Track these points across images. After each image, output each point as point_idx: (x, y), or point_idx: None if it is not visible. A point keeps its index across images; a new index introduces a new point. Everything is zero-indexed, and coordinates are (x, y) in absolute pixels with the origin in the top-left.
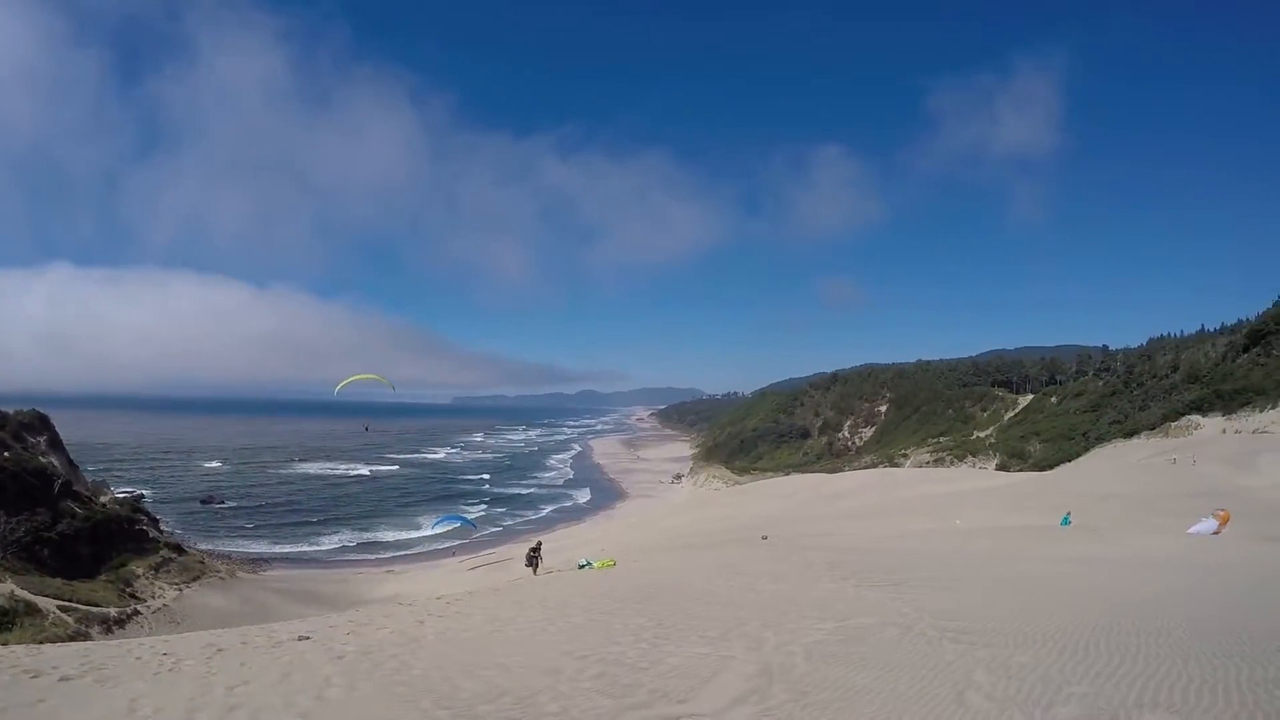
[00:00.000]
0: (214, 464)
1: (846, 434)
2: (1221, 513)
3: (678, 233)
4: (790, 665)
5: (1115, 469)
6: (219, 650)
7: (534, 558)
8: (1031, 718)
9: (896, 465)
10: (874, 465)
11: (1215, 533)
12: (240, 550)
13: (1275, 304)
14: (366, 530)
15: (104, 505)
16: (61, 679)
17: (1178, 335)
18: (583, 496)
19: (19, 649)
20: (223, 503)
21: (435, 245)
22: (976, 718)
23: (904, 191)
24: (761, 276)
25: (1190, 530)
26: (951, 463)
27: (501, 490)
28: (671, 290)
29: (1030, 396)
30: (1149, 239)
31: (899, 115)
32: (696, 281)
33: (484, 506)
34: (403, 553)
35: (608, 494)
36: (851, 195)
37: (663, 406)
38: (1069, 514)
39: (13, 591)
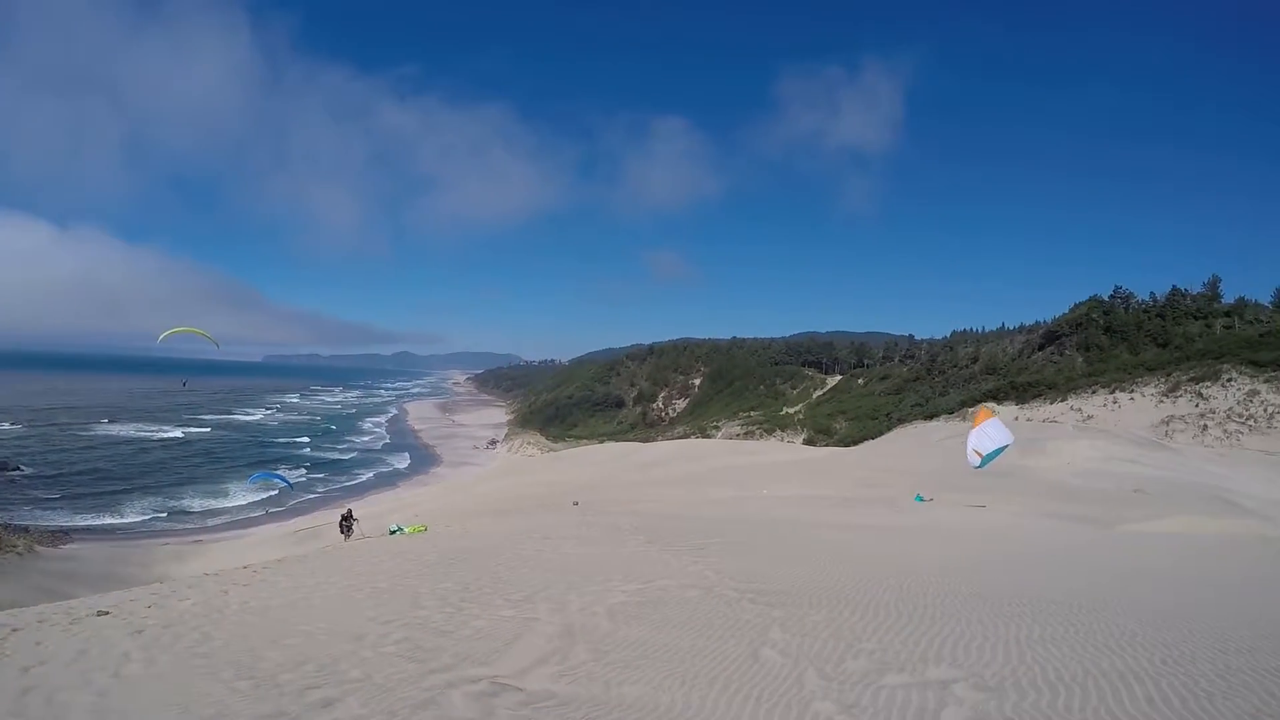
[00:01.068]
0: (6, 425)
1: (661, 405)
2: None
3: (512, 192)
4: (593, 626)
5: (914, 447)
6: (13, 630)
7: (346, 524)
8: (822, 672)
9: (708, 436)
10: (686, 436)
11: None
12: (39, 522)
13: (1071, 309)
14: (175, 498)
15: None
16: None
17: (979, 330)
18: (397, 461)
19: None
20: (18, 469)
21: (258, 186)
22: (770, 672)
23: (740, 171)
24: (590, 244)
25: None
26: (761, 436)
27: (319, 455)
28: (499, 252)
29: (839, 377)
30: (961, 238)
31: (745, 96)
32: (525, 245)
33: (302, 471)
34: (213, 521)
35: (422, 459)
36: (688, 169)
37: (480, 371)
38: (920, 494)
39: None
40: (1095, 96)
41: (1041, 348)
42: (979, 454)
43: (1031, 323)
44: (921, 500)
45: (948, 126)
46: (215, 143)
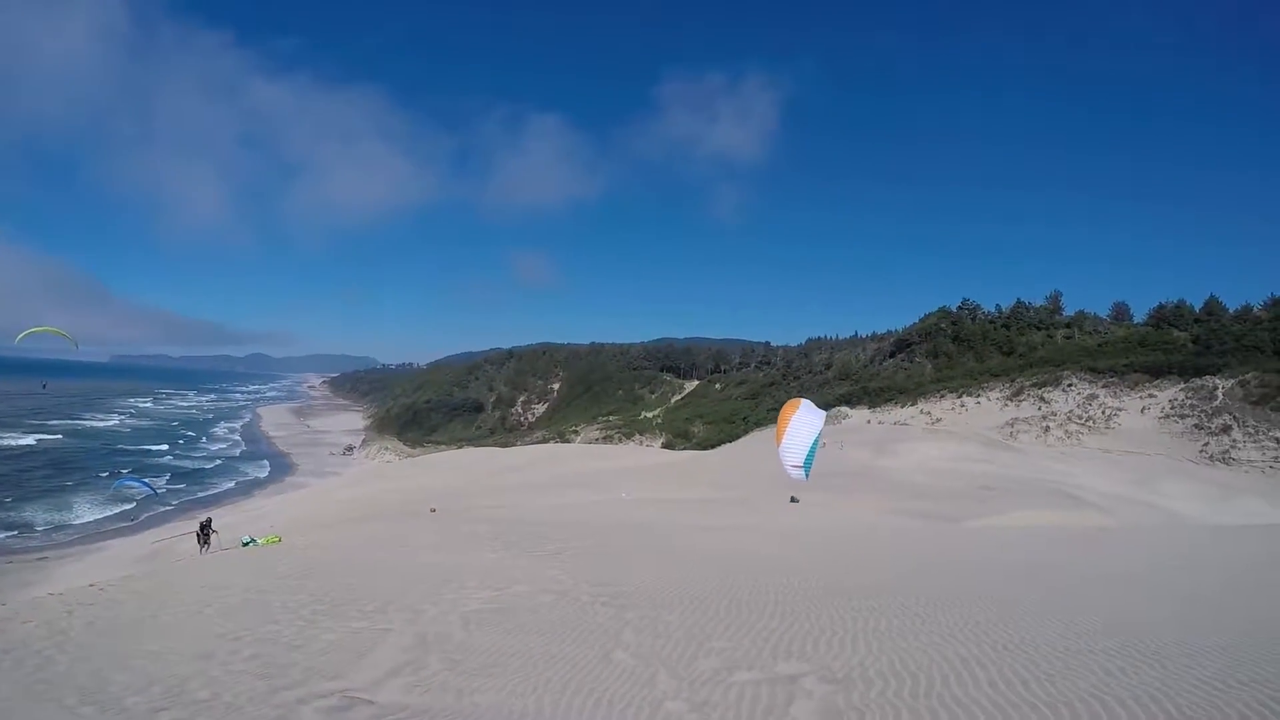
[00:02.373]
0: None
1: (520, 409)
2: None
3: (378, 182)
4: (447, 634)
5: (770, 450)
6: None
7: (205, 534)
8: (674, 672)
9: (567, 441)
10: (546, 441)
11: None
12: None
13: (921, 319)
14: (18, 512)
15: None
16: None
17: (834, 338)
18: (252, 469)
19: None
20: None
21: (109, 163)
22: (622, 675)
23: (612, 174)
24: (455, 243)
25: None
26: (620, 440)
27: (176, 463)
28: (360, 247)
29: (696, 383)
30: (819, 248)
31: (624, 97)
32: (387, 241)
33: (163, 480)
34: (60, 537)
35: (277, 466)
36: (561, 169)
37: (335, 375)
38: (794, 496)
39: None
40: (948, 103)
41: (893, 355)
42: (797, 466)
43: (884, 331)
44: (796, 501)
45: (814, 139)
46: (66, 110)
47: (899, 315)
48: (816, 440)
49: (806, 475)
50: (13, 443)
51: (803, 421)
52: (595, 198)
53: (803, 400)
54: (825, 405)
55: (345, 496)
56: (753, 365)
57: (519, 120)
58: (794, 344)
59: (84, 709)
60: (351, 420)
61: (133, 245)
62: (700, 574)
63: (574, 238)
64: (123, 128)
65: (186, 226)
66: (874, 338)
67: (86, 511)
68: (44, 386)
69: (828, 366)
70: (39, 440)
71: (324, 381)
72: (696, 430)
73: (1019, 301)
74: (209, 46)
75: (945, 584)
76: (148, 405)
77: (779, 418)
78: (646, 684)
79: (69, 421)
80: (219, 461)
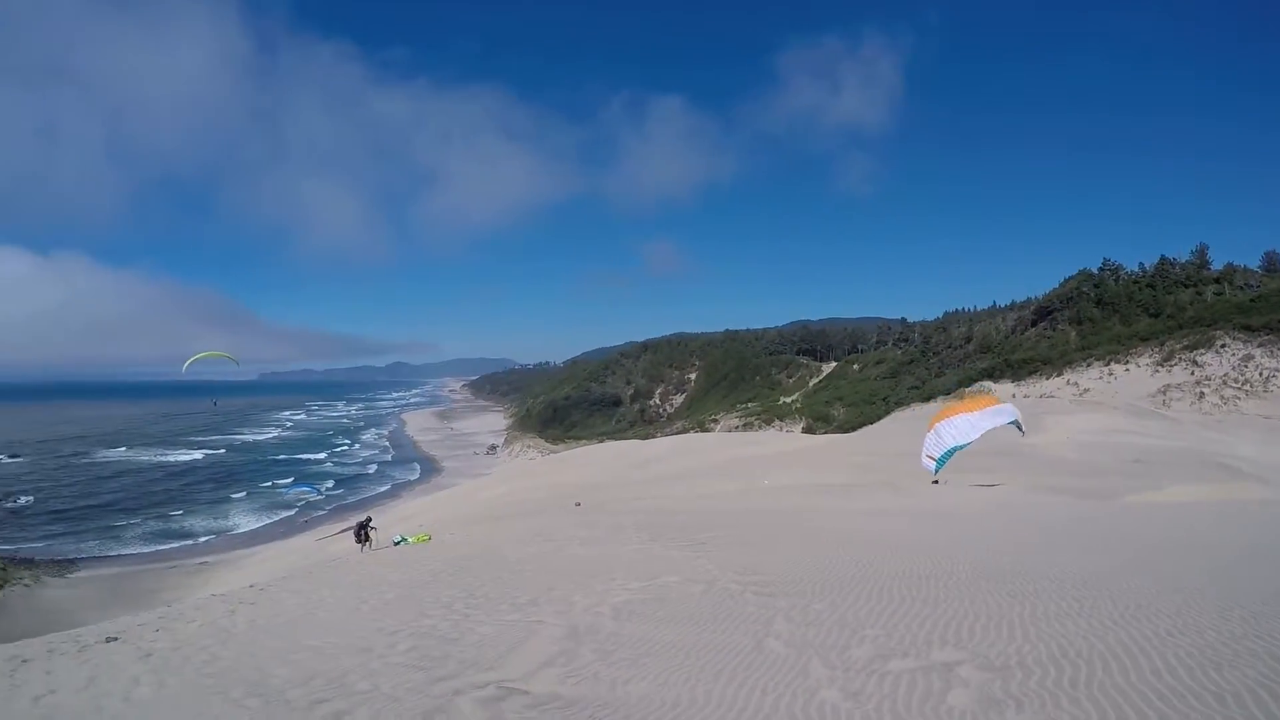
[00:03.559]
0: (8, 458)
1: (658, 401)
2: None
3: (505, 184)
4: (598, 626)
5: (912, 430)
6: (24, 661)
7: (364, 532)
8: (827, 660)
9: (707, 430)
10: (685, 431)
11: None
12: (44, 551)
13: (1061, 284)
14: (181, 521)
15: None
16: None
17: (971, 309)
18: (399, 472)
19: None
20: (19, 501)
21: (244, 190)
22: (775, 663)
23: (736, 153)
24: (585, 239)
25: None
26: (759, 427)
27: (330, 470)
28: (492, 253)
29: (834, 364)
30: (953, 217)
31: (741, 71)
32: (518, 244)
33: (324, 486)
34: (219, 542)
35: (424, 468)
36: (685, 153)
37: (475, 377)
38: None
39: None
40: (1084, 69)
41: (1034, 323)
42: (931, 458)
43: (1023, 299)
44: (938, 482)
45: (941, 102)
46: (199, 141)
47: (1037, 281)
48: (958, 449)
49: (935, 471)
50: (179, 458)
51: (971, 422)
52: (720, 179)
53: (998, 403)
54: (968, 381)
55: (490, 495)
56: (890, 343)
57: (640, 105)
58: (930, 318)
59: (249, 701)
60: (493, 420)
61: (272, 266)
62: (848, 559)
63: (702, 223)
64: (253, 151)
65: (320, 245)
66: (1013, 306)
67: (245, 519)
68: (214, 403)
69: (967, 340)
70: (205, 455)
71: (464, 385)
72: (836, 413)
73: (1163, 258)
74: (329, 59)
75: (1100, 565)
76: (301, 417)
77: (952, 406)
78: (800, 673)
79: (228, 436)
80: (372, 467)
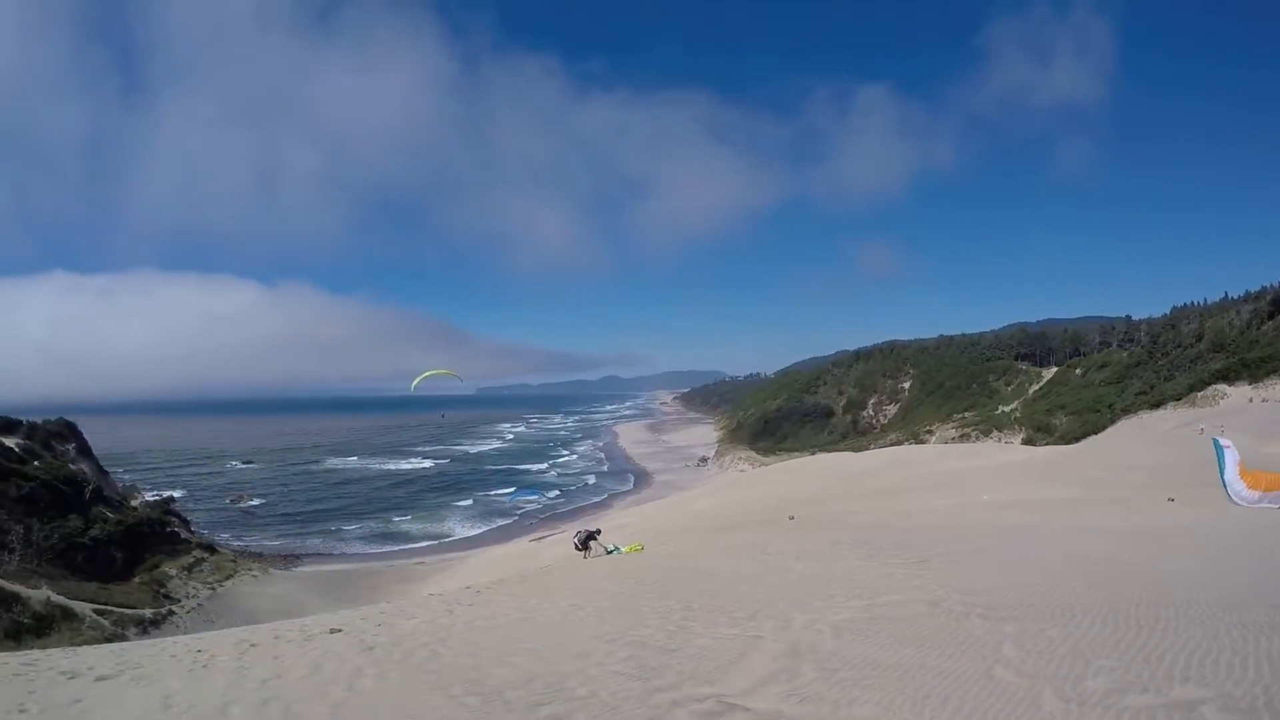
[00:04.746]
0: (242, 464)
1: (871, 412)
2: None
3: (711, 190)
4: (818, 644)
5: (1142, 440)
6: (252, 645)
7: (588, 540)
8: (1061, 692)
9: (922, 442)
10: (899, 443)
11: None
12: (272, 547)
13: None
14: (400, 524)
15: (135, 509)
16: (98, 679)
17: (1201, 303)
18: (613, 482)
19: (55, 652)
20: (252, 501)
21: (457, 209)
22: (1005, 692)
23: (944, 142)
24: (794, 244)
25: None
26: (977, 438)
27: (553, 479)
28: (701, 263)
29: (1054, 369)
30: (1174, 206)
31: (946, 48)
32: (726, 253)
33: (548, 495)
34: (433, 545)
35: (636, 479)
36: (892, 144)
37: (686, 390)
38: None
39: (49, 597)
40: None
41: (1271, 315)
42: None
43: (1257, 288)
44: (1173, 500)
45: (1162, 69)
46: (410, 167)
47: (1275, 263)
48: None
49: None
50: (408, 467)
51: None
52: (929, 171)
53: None
54: (1200, 384)
55: (702, 506)
56: (1114, 344)
57: (845, 97)
58: (1157, 315)
59: (468, 699)
60: (704, 433)
61: (485, 285)
62: (1078, 582)
63: (911, 221)
64: (462, 172)
65: (532, 261)
66: (1248, 297)
67: (461, 525)
68: (443, 416)
69: (1198, 338)
70: (434, 464)
71: (675, 397)
72: (1058, 422)
73: None
74: (531, 74)
75: None
76: (521, 429)
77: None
78: (1031, 704)
79: (448, 447)
80: (589, 478)
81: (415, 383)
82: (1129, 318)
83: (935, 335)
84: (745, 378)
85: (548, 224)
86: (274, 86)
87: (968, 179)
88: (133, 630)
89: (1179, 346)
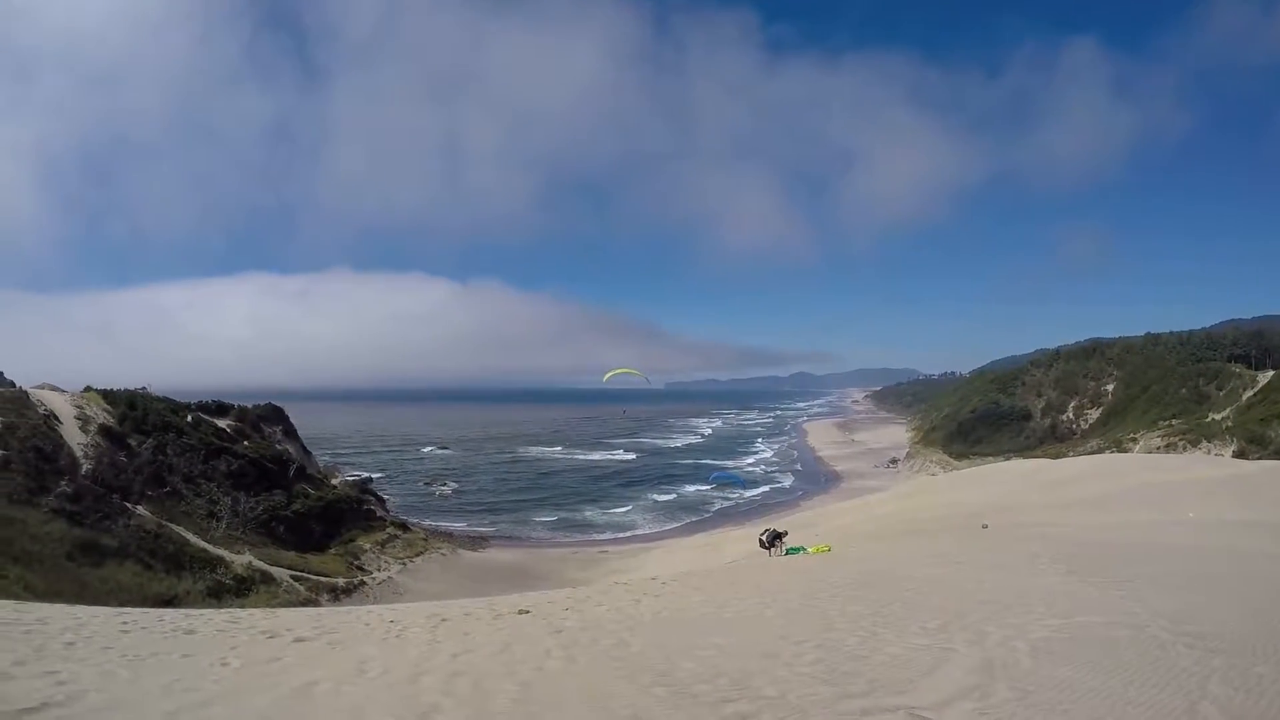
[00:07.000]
0: (439, 450)
1: (1071, 416)
2: None
3: (912, 168)
4: (1014, 662)
5: None
6: (443, 620)
7: (775, 542)
8: None
9: (1125, 450)
10: (1100, 450)
11: None
12: (462, 529)
13: None
14: (586, 513)
15: (335, 487)
16: (296, 640)
17: None
18: (799, 480)
19: (257, 612)
20: (446, 485)
21: (646, 195)
22: None
23: (1160, 103)
24: (996, 227)
25: None
26: (1184, 448)
27: (741, 475)
28: (893, 257)
29: (1271, 373)
30: None
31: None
32: (924, 242)
33: (752, 491)
34: (616, 534)
35: (822, 478)
36: (1101, 109)
37: (878, 388)
38: None
39: (250, 562)
40: None
41: None
42: None
43: None
44: None
45: None
46: (597, 145)
47: None
48: None
49: None
50: (597, 458)
51: None
52: (1140, 143)
53: None
54: None
55: (891, 509)
56: None
57: (1050, 53)
58: None
59: (656, 689)
60: (895, 433)
61: (673, 281)
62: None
63: (1116, 204)
64: (661, 147)
65: (722, 254)
66: None
67: (646, 516)
68: (624, 412)
69: None
70: (636, 456)
71: (866, 395)
72: (1275, 434)
73: None
74: (729, 34)
75: None
76: (717, 424)
77: None
78: None
79: (641, 440)
80: (777, 475)
81: (607, 377)
82: None
83: (1142, 333)
84: (940, 376)
85: (740, 207)
86: (453, 63)
87: (1176, 153)
88: (325, 596)
89: None
